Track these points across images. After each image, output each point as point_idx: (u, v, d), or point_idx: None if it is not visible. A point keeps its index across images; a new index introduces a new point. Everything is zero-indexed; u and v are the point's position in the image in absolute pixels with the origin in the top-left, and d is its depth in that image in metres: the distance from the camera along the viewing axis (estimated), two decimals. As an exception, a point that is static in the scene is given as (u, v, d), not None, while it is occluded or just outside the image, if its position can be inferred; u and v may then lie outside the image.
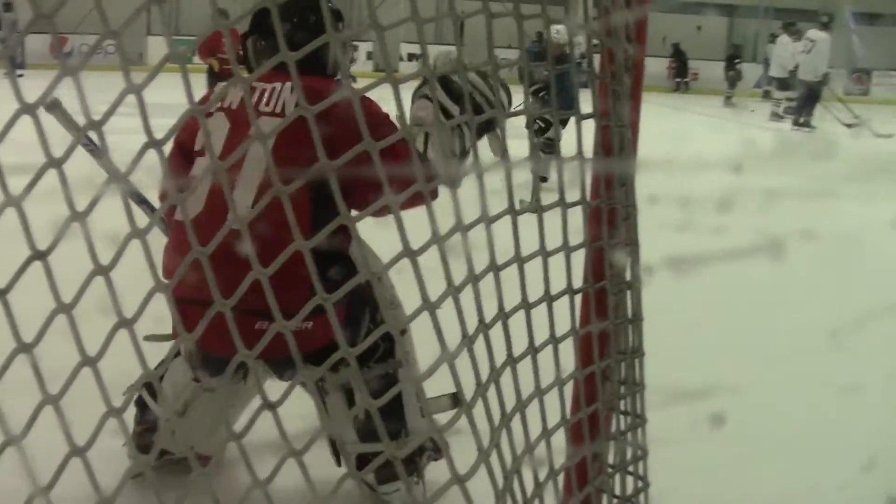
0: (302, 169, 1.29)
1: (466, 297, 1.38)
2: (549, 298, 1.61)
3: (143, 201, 3.20)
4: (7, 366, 1.27)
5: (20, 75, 1.47)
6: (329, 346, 1.37)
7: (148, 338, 2.25)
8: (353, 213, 1.35)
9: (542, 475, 1.68)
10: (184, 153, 2.78)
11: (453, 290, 1.34)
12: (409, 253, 1.26)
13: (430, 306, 1.30)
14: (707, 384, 2.72)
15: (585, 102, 1.67)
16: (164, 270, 2.39)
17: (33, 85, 1.12)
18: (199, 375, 2.75)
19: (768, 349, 4.60)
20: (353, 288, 1.32)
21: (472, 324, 1.41)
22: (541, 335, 1.61)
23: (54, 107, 2.32)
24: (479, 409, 1.42)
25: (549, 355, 1.63)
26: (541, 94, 8.32)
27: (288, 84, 2.66)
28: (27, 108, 1.14)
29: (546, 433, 1.66)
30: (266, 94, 2.70)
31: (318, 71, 2.77)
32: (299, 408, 1.59)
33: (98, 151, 2.77)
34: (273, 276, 1.30)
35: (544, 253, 1.58)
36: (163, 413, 2.75)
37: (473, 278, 1.38)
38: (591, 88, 1.74)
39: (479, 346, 1.42)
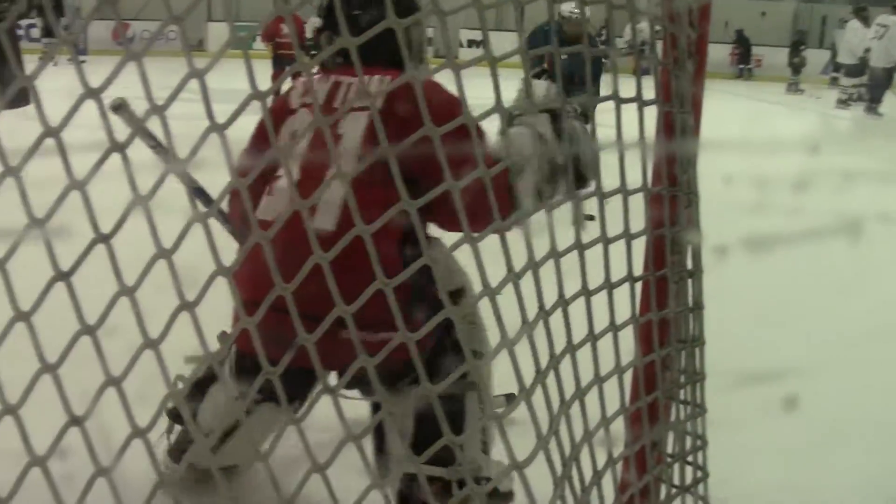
0: (390, 169, 1.28)
1: (526, 284, 1.37)
2: (609, 286, 1.60)
3: (202, 193, 3.07)
4: (71, 346, 1.29)
5: (82, 61, 1.48)
6: (409, 361, 1.36)
7: (190, 359, 2.26)
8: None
9: (601, 463, 1.67)
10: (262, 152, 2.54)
11: (513, 277, 1.33)
12: (470, 238, 1.26)
13: (490, 292, 1.30)
14: (780, 367, 2.67)
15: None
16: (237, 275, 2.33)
17: (96, 70, 1.13)
18: (246, 390, 2.53)
19: (844, 332, 4.50)
20: (435, 303, 1.31)
21: (531, 311, 1.41)
22: (600, 323, 1.60)
23: (121, 109, 2.14)
24: (538, 396, 1.42)
25: (608, 343, 1.62)
26: (542, 77, 7.48)
27: (376, 78, 2.42)
28: (91, 93, 1.15)
29: (605, 421, 1.65)
30: (353, 89, 2.48)
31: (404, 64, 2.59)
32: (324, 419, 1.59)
33: (162, 150, 2.59)
34: (360, 285, 1.30)
35: (605, 240, 1.56)
36: (202, 432, 2.49)
37: (534, 265, 1.38)
38: (653, 74, 1.72)
39: (539, 333, 1.42)
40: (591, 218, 1.51)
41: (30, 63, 1.34)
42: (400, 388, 2.15)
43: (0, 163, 1.19)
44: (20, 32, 22.32)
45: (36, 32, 22.56)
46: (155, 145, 2.52)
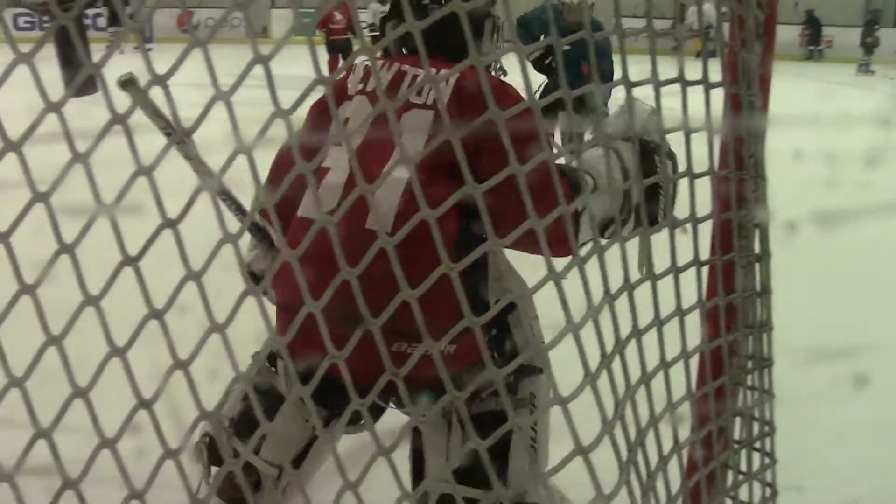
0: (449, 172, 1.24)
1: (591, 268, 1.36)
2: (675, 270, 1.59)
3: (230, 199, 2.53)
4: (101, 368, 1.31)
5: (149, 49, 1.47)
6: (460, 373, 1.34)
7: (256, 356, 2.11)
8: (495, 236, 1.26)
9: (667, 449, 1.66)
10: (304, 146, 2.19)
11: (579, 261, 1.32)
12: (535, 222, 1.25)
13: (555, 276, 1.29)
14: (850, 344, 2.62)
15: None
16: (277, 279, 2.10)
17: (162, 58, 1.14)
18: (317, 413, 2.27)
19: (917, 308, 4.43)
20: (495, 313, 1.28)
21: (597, 295, 1.40)
22: (666, 308, 1.59)
23: (130, 84, 1.78)
24: (602, 381, 1.41)
25: (674, 328, 1.61)
26: (547, 62, 6.42)
27: (442, 72, 2.15)
28: (158, 80, 1.16)
29: (671, 406, 1.64)
30: (417, 82, 2.25)
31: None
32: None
33: (174, 134, 2.09)
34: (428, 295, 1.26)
35: (671, 224, 1.55)
36: (272, 470, 2.29)
37: (599, 249, 1.37)
38: (719, 56, 1.70)
39: (604, 317, 1.41)
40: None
41: (96, 52, 1.36)
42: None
43: (69, 149, 1.21)
44: (87, 21, 22.66)
45: (102, 21, 22.91)
46: (165, 127, 2.20)
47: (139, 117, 1.24)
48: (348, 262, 1.28)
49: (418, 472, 2.32)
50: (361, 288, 1.27)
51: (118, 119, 1.17)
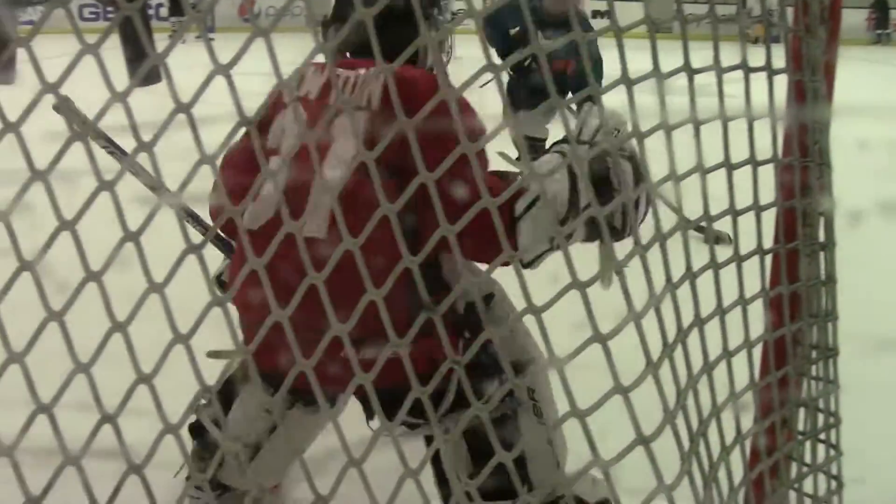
0: (387, 172, 1.24)
1: (653, 255, 1.35)
2: (738, 259, 1.57)
3: (190, 215, 2.60)
4: (166, 354, 1.34)
5: (211, 38, 1.49)
6: (429, 374, 1.32)
7: (211, 354, 2.09)
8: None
9: (729, 440, 1.65)
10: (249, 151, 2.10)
11: (640, 249, 1.32)
12: (598, 212, 1.24)
13: (617, 265, 1.29)
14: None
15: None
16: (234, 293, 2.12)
17: (223, 47, 1.15)
18: (277, 406, 2.28)
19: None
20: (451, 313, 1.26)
21: (658, 283, 1.39)
22: (729, 297, 1.58)
23: (62, 108, 1.77)
24: (664, 371, 1.40)
25: (737, 317, 1.60)
26: (527, 64, 6.10)
27: (374, 71, 2.14)
28: (221, 69, 1.17)
29: (733, 396, 1.62)
30: (350, 83, 2.20)
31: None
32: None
33: (117, 151, 2.26)
34: (355, 294, 1.25)
35: (734, 212, 1.54)
36: (231, 447, 2.14)
37: (661, 237, 1.36)
38: (783, 42, 1.68)
39: (666, 306, 1.40)
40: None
41: (159, 42, 1.37)
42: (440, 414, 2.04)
43: (133, 138, 1.22)
44: (150, 11, 22.92)
45: (164, 11, 23.18)
46: (109, 147, 2.19)
47: (203, 108, 1.25)
48: (291, 272, 1.29)
49: (441, 479, 2.32)
50: (308, 296, 1.27)
51: (182, 108, 1.18)
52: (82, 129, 1.79)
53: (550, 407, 2.35)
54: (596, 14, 24.38)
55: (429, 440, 2.33)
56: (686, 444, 1.50)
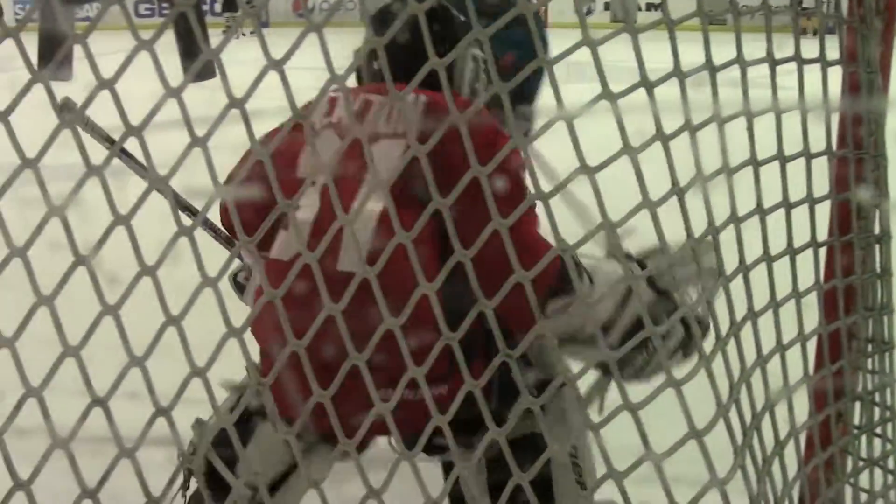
0: (423, 206, 1.21)
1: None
2: (791, 252, 1.56)
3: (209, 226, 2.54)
4: (220, 348, 1.34)
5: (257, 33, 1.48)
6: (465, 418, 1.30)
7: (225, 384, 2.01)
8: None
9: (783, 433, 1.64)
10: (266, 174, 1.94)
11: (694, 242, 1.31)
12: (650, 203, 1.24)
13: (670, 258, 1.28)
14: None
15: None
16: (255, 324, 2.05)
17: (276, 42, 1.16)
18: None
19: None
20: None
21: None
22: (782, 290, 1.56)
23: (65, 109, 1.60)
24: (717, 364, 1.39)
25: (791, 310, 1.58)
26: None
27: (410, 98, 2.04)
28: (275, 64, 1.18)
29: (787, 390, 1.61)
30: (386, 111, 2.08)
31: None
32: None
33: (132, 163, 2.25)
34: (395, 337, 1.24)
35: (787, 205, 1.53)
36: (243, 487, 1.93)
37: (713, 230, 1.35)
38: (837, 34, 1.66)
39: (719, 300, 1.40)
40: None
41: (213, 37, 1.38)
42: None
43: (188, 133, 1.23)
44: (204, 7, 23.12)
45: (218, 6, 23.36)
46: (122, 156, 2.16)
47: (257, 102, 1.26)
48: (322, 308, 1.26)
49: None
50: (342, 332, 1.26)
51: (235, 104, 1.19)
52: (104, 145, 1.87)
53: (583, 441, 2.20)
54: (650, 7, 24.18)
55: (446, 468, 2.23)
56: (739, 437, 1.49)
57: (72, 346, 1.27)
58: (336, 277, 1.31)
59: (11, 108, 1.17)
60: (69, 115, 1.41)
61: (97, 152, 1.27)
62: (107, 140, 2.24)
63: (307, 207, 2.00)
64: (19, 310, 1.25)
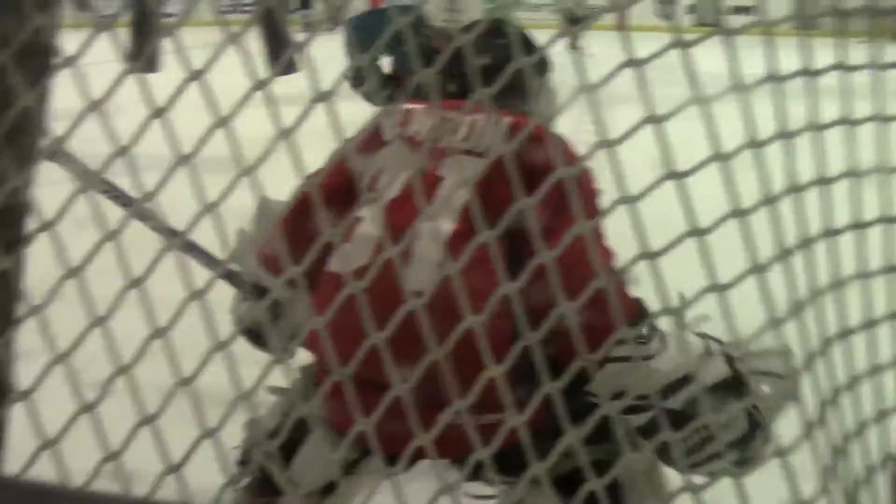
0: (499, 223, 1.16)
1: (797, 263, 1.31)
2: (891, 269, 1.51)
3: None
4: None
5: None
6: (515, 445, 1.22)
7: (273, 390, 1.96)
8: None
9: (875, 458, 1.59)
10: (337, 188, 1.97)
11: (785, 254, 1.27)
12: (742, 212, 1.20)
13: (758, 269, 1.24)
14: None
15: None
16: (311, 340, 1.91)
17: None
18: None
19: None
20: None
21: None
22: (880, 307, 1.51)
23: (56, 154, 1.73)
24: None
25: (887, 330, 1.53)
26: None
27: (493, 119, 2.03)
28: (360, 60, 1.17)
29: (882, 414, 1.56)
30: (463, 128, 2.07)
31: (521, 106, 2.15)
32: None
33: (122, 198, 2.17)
34: (465, 362, 1.20)
35: (887, 219, 1.48)
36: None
37: (806, 241, 1.31)
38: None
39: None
40: None
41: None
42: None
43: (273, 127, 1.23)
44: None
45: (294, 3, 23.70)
46: (111, 192, 2.14)
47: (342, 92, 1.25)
48: (383, 327, 1.21)
49: None
50: (400, 357, 1.20)
51: (321, 97, 1.18)
52: (83, 179, 1.77)
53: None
54: (740, 10, 23.43)
55: None
56: (826, 459, 1.44)
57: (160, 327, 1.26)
58: (396, 296, 1.27)
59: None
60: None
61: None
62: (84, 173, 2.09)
63: (371, 221, 1.97)
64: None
